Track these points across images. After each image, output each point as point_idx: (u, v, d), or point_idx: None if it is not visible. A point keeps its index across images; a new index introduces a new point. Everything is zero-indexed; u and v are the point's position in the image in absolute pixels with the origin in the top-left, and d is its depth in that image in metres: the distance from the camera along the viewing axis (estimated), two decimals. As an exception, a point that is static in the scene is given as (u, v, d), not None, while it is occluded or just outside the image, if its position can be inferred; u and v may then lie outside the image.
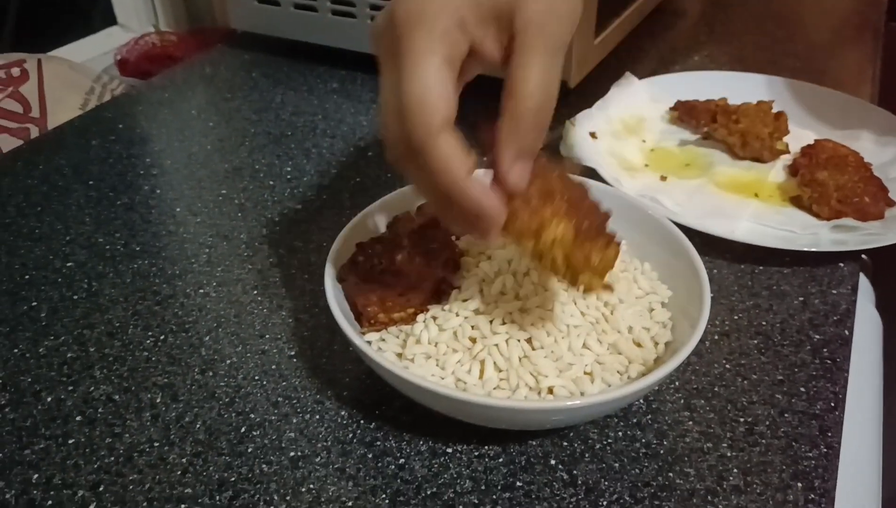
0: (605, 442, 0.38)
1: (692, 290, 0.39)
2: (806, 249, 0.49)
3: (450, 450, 0.37)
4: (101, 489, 0.35)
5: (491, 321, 0.37)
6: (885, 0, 0.89)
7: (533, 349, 0.37)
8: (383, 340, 0.38)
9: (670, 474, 0.36)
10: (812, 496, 0.35)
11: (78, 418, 0.39)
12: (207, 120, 0.67)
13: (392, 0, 0.30)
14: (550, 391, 0.36)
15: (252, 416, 0.39)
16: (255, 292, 0.47)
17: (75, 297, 0.47)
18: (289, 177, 0.59)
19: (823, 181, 0.53)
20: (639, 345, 0.38)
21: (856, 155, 0.56)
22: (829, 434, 0.38)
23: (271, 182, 0.58)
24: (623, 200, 0.46)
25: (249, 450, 0.37)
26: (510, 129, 0.30)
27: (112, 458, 0.37)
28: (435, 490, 0.35)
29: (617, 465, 0.36)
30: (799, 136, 0.60)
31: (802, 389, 0.41)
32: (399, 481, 0.36)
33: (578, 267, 0.32)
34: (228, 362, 0.42)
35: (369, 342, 0.38)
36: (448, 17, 0.28)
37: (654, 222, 0.44)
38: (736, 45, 0.80)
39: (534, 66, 0.29)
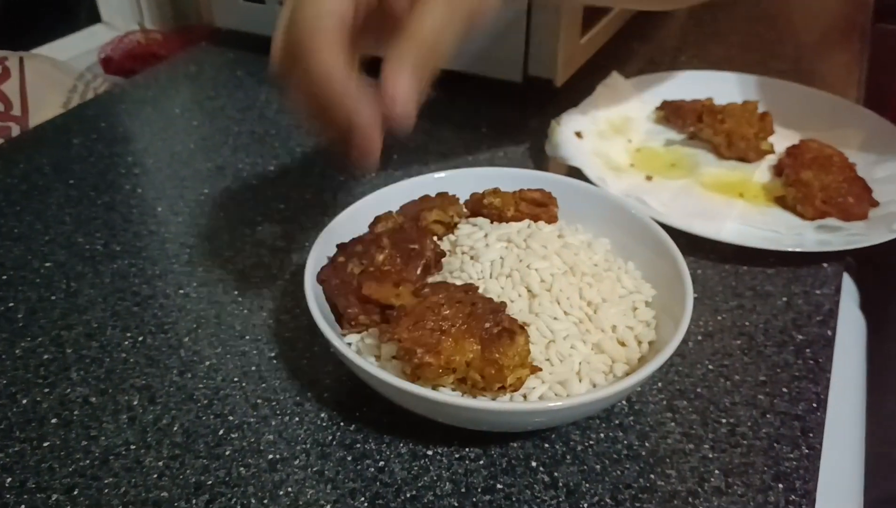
0: (586, 444, 0.37)
1: (675, 289, 0.39)
2: (790, 249, 0.48)
3: (430, 452, 0.37)
4: (75, 492, 0.35)
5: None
6: (872, 2, 0.89)
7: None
8: (364, 341, 0.38)
9: (652, 475, 0.36)
10: (793, 497, 0.35)
11: (53, 420, 0.38)
12: (191, 119, 0.66)
13: None
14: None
15: (231, 418, 0.38)
16: (236, 292, 0.46)
17: (53, 297, 0.46)
18: (272, 177, 0.58)
19: (808, 181, 0.53)
20: (623, 344, 0.38)
21: (840, 155, 0.56)
22: (811, 435, 0.38)
23: (254, 182, 0.57)
24: (608, 200, 0.46)
25: (227, 453, 0.37)
26: (402, 50, 0.29)
27: (87, 461, 0.36)
28: (415, 492, 0.35)
29: (598, 467, 0.36)
30: (784, 136, 0.60)
31: (785, 390, 0.40)
32: (378, 484, 0.35)
33: (496, 379, 0.33)
34: (207, 363, 0.42)
35: (350, 344, 0.38)
36: None
37: (638, 222, 0.44)
38: (723, 45, 0.80)
39: (431, 13, 0.29)
